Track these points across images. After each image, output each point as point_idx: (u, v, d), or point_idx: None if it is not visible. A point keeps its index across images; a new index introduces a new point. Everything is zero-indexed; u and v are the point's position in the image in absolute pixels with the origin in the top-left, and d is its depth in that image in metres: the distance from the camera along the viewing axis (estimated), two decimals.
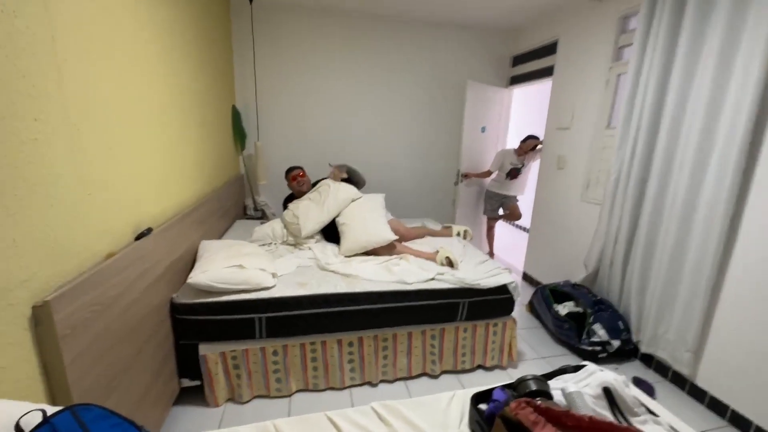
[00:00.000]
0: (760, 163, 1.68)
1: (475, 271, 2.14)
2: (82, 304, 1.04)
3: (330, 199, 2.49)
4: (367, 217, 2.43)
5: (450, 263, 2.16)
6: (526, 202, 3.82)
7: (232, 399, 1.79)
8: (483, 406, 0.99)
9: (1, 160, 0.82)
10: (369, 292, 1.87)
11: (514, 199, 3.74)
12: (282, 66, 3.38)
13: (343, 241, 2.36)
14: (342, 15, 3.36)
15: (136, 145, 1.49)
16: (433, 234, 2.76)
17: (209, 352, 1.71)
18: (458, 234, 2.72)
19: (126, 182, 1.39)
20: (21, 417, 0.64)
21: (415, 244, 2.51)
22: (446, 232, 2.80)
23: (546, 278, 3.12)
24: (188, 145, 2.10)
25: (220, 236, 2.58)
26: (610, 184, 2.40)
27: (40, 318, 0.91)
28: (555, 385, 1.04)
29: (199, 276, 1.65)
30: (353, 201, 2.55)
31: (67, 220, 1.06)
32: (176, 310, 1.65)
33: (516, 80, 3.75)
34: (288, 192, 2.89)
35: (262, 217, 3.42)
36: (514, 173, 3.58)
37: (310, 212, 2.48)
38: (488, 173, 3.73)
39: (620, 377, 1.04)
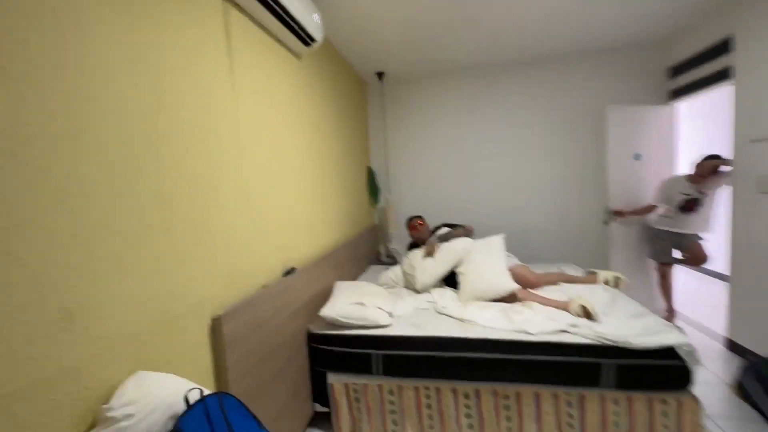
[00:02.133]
0: None
1: (625, 326, 1.72)
2: (242, 321, 1.39)
3: (444, 252, 2.51)
4: (484, 263, 2.32)
5: (587, 314, 1.82)
6: (716, 242, 2.88)
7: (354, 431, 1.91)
8: None
9: (198, 218, 1.26)
10: (483, 339, 1.75)
11: (694, 237, 2.86)
12: (409, 127, 3.82)
13: (460, 291, 2.31)
14: (462, 70, 3.61)
15: (288, 201, 1.95)
16: (571, 280, 2.38)
17: (336, 381, 1.91)
18: (606, 281, 2.27)
19: (279, 230, 1.83)
20: (189, 391, 0.91)
21: (544, 291, 2.22)
22: (590, 279, 2.37)
23: (765, 347, 2.18)
24: (329, 201, 2.58)
25: (354, 278, 2.92)
26: None
27: (215, 328, 1.27)
28: None
29: (328, 310, 1.93)
30: (469, 252, 2.49)
31: (237, 258, 1.47)
32: (311, 339, 1.95)
33: (678, 93, 3.08)
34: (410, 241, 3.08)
35: (394, 262, 3.70)
36: (690, 205, 2.79)
37: (427, 265, 2.50)
38: (652, 208, 3.02)
39: None
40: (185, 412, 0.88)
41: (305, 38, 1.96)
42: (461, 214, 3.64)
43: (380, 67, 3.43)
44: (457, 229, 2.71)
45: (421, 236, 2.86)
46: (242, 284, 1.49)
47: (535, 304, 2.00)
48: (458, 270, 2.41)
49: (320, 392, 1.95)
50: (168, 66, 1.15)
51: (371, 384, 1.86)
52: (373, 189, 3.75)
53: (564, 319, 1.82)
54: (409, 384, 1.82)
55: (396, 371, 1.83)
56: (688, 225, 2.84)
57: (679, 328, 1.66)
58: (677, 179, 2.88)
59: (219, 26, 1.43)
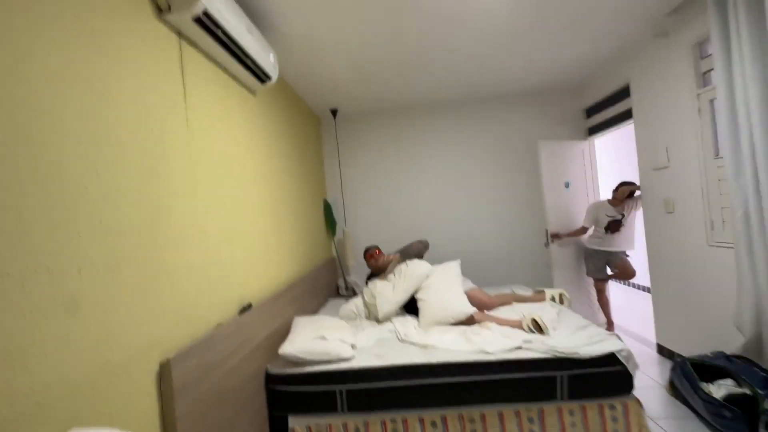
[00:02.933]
0: None
1: (572, 338, 1.86)
2: (194, 364, 1.28)
3: (402, 279, 2.56)
4: (441, 289, 2.40)
5: (538, 327, 1.94)
6: (637, 258, 3.26)
7: None
8: None
9: (146, 253, 1.19)
10: (446, 363, 1.78)
11: (622, 255, 3.22)
12: (363, 160, 3.95)
13: (420, 317, 2.35)
14: (412, 106, 3.87)
15: (243, 235, 1.90)
16: (522, 300, 2.54)
17: (297, 425, 1.79)
18: (552, 298, 2.45)
19: (234, 265, 1.75)
20: None
21: (499, 312, 2.33)
22: (538, 297, 2.55)
23: (688, 349, 2.45)
24: (286, 234, 2.54)
25: (313, 313, 2.83)
26: (739, 222, 1.95)
27: (164, 374, 1.16)
28: None
29: (287, 347, 1.84)
30: (427, 277, 2.57)
31: (189, 296, 1.38)
32: (270, 380, 1.83)
33: (594, 130, 3.58)
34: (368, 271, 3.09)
35: (353, 295, 3.65)
36: (614, 226, 3.17)
37: (386, 293, 2.52)
38: (583, 230, 3.38)
39: None
40: None
41: (261, 76, 2.01)
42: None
43: (334, 104, 3.57)
44: (413, 244, 2.80)
45: (378, 266, 2.89)
46: (195, 323, 1.39)
47: (492, 324, 2.09)
48: (418, 296, 2.45)
49: None
50: (119, 95, 1.12)
51: (336, 423, 1.77)
52: (330, 222, 3.75)
53: (519, 336, 1.92)
54: (375, 419, 1.77)
55: (361, 406, 1.77)
56: (614, 243, 3.20)
57: (617, 336, 1.83)
58: (602, 203, 3.27)
59: (174, 60, 1.43)
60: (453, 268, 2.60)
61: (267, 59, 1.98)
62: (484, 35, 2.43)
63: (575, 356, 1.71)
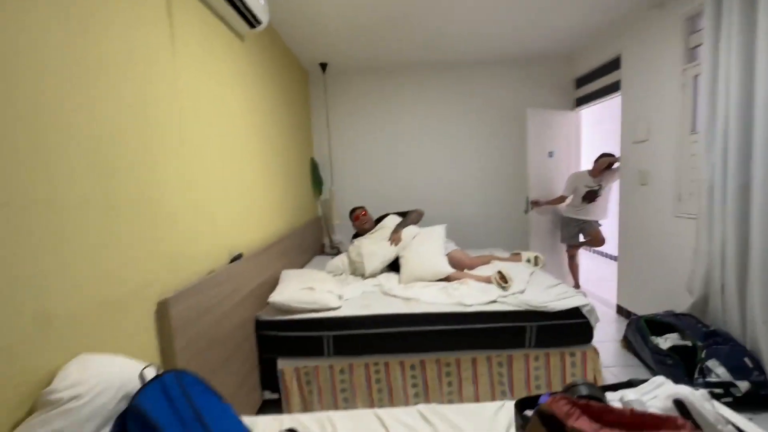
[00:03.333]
0: None
1: (543, 294, 2.02)
2: (189, 305, 1.33)
3: (388, 239, 2.65)
4: (424, 250, 2.50)
5: (502, 278, 2.08)
6: (609, 227, 3.47)
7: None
8: (528, 412, 0.95)
9: (140, 196, 1.19)
10: (427, 313, 1.91)
11: (595, 224, 3.41)
12: (351, 119, 3.88)
13: (402, 273, 2.46)
14: (402, 67, 3.77)
15: (233, 188, 1.89)
16: (500, 260, 2.68)
17: (286, 366, 1.91)
18: (528, 260, 2.60)
19: (224, 216, 1.77)
20: (144, 367, 0.88)
21: (477, 271, 2.48)
22: (515, 259, 2.70)
23: (644, 310, 2.70)
24: (274, 190, 2.54)
25: (300, 267, 2.90)
26: (704, 194, 2.10)
27: (162, 311, 1.21)
28: (614, 397, 0.94)
29: (277, 296, 1.92)
30: (413, 237, 2.66)
31: (184, 242, 1.41)
32: (260, 326, 1.92)
33: (582, 101, 3.63)
34: (354, 231, 3.16)
35: (338, 253, 3.73)
36: (591, 196, 3.32)
37: (374, 252, 2.61)
38: (562, 199, 3.52)
39: (700, 391, 0.90)
40: (141, 390, 0.85)
41: (250, 19, 1.91)
42: (401, 205, 3.80)
43: (323, 58, 3.44)
44: (411, 214, 2.87)
45: (363, 226, 2.96)
46: (188, 269, 1.43)
47: (470, 281, 2.23)
48: (401, 255, 2.56)
49: (269, 379, 1.93)
50: (106, 31, 1.06)
51: (323, 365, 1.90)
52: (316, 181, 3.74)
53: (495, 291, 2.06)
54: (359, 362, 1.91)
55: (347, 351, 1.90)
56: (590, 213, 3.37)
57: (582, 294, 2.00)
58: (582, 174, 3.40)
59: None
60: (438, 231, 2.70)
61: (257, 1, 1.87)
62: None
63: (544, 309, 1.87)
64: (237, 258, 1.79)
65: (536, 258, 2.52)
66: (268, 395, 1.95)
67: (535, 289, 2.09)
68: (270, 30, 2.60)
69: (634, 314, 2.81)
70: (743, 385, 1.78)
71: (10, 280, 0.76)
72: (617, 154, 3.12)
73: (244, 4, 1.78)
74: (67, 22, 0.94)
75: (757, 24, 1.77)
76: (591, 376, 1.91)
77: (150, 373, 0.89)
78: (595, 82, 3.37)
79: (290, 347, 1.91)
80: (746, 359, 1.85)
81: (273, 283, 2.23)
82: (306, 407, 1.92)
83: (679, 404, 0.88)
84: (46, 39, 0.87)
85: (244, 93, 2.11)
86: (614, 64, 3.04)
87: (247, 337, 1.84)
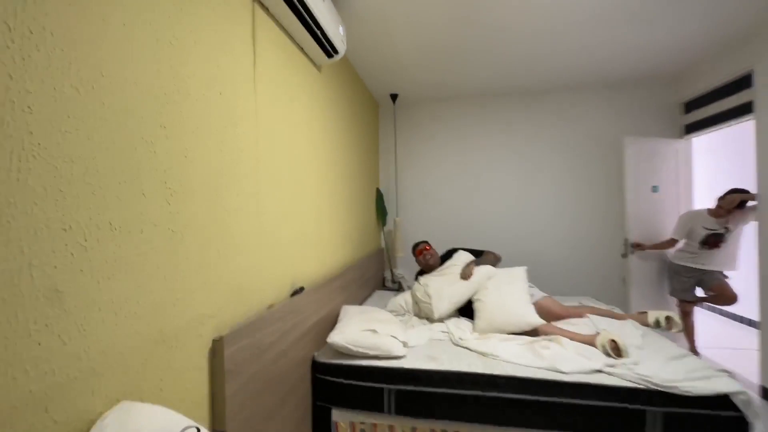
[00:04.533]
0: None
1: (667, 368, 1.55)
2: (245, 345, 1.21)
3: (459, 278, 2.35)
4: (504, 293, 2.15)
5: (615, 349, 1.65)
6: (741, 281, 2.75)
7: None
8: None
9: (208, 220, 1.12)
10: (510, 376, 1.57)
11: (718, 275, 2.73)
12: (419, 150, 3.77)
13: (476, 320, 2.13)
14: (474, 96, 3.61)
15: (298, 215, 1.82)
16: (603, 314, 2.18)
17: (341, 419, 1.70)
18: (657, 322, 2.00)
19: (289, 246, 1.68)
20: (184, 430, 0.74)
21: (568, 325, 2.05)
22: (639, 318, 2.09)
23: None
24: (339, 220, 2.45)
25: (360, 303, 2.73)
26: None
27: (216, 351, 1.10)
28: None
29: (336, 336, 1.74)
30: (489, 279, 2.34)
31: (247, 272, 1.32)
32: (316, 368, 1.75)
33: (694, 128, 3.07)
34: (418, 268, 2.92)
35: (399, 288, 3.51)
36: (714, 241, 2.69)
37: (444, 292, 2.31)
38: (672, 243, 2.91)
39: None
40: None
41: (328, 49, 1.91)
42: (471, 241, 3.50)
43: (394, 89, 3.42)
44: (487, 255, 2.56)
45: (428, 262, 2.69)
46: (248, 301, 1.33)
47: (563, 339, 1.83)
48: (476, 298, 2.24)
49: (323, 430, 1.72)
50: (191, 53, 1.06)
51: (382, 424, 1.65)
52: (380, 211, 3.63)
53: (598, 357, 1.65)
54: (425, 426, 1.62)
55: (410, 410, 1.63)
56: (711, 261, 2.72)
57: (729, 374, 1.49)
58: (699, 213, 2.80)
59: (246, 24, 1.36)
60: (519, 273, 2.33)
61: (336, 31, 1.87)
62: (563, 11, 2.12)
63: (674, 391, 1.41)
64: (298, 291, 1.68)
65: (668, 319, 1.97)
66: None
67: (655, 359, 1.63)
68: (344, 60, 2.64)
69: None
70: None
71: (64, 307, 0.68)
72: (750, 189, 2.51)
73: (324, 34, 1.78)
74: (153, 38, 0.93)
75: None
76: None
77: None
78: (712, 105, 2.83)
79: (347, 397, 1.69)
80: None
81: (333, 319, 2.07)
82: None
83: None
84: (134, 53, 0.86)
85: (317, 122, 2.09)
86: (743, 83, 2.52)
87: (302, 379, 1.67)
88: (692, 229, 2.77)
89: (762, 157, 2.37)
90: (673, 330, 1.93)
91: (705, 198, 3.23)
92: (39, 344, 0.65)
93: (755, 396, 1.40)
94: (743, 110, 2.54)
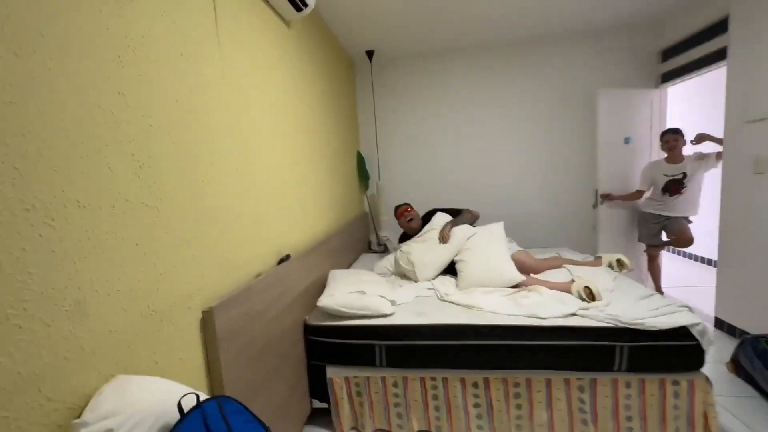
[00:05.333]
0: None
1: (635, 307, 1.68)
2: (236, 314, 1.23)
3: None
4: (485, 253, 2.21)
5: (590, 295, 1.77)
6: (703, 225, 2.93)
7: (355, 428, 1.79)
8: None
9: (189, 196, 1.08)
10: (493, 325, 1.67)
11: (681, 220, 2.88)
12: (399, 109, 3.67)
13: (460, 278, 2.20)
14: (454, 50, 3.48)
15: (280, 185, 1.78)
16: (573, 264, 2.32)
17: (335, 375, 1.78)
18: (609, 265, 2.22)
19: (272, 215, 1.66)
20: (182, 397, 0.76)
21: (547, 275, 2.17)
22: (595, 263, 2.30)
23: (755, 326, 2.23)
24: (320, 186, 2.41)
25: (347, 267, 2.78)
26: None
27: (207, 321, 1.11)
28: None
29: (326, 300, 1.78)
30: (469, 238, 2.39)
31: (232, 244, 1.31)
32: (308, 331, 1.80)
33: (670, 76, 3.09)
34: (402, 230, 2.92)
35: (385, 251, 3.58)
36: (674, 188, 2.81)
37: (425, 257, 2.35)
38: (639, 194, 3.04)
39: None
40: (179, 423, 0.73)
41: (297, 1, 1.77)
42: (454, 200, 3.54)
43: (370, 45, 3.25)
44: (464, 214, 2.58)
45: (410, 225, 2.72)
46: (235, 272, 1.33)
47: (542, 288, 1.94)
48: (458, 258, 2.31)
49: (318, 387, 1.82)
50: (142, 8, 0.95)
51: (374, 376, 1.75)
52: (363, 175, 3.59)
53: (573, 301, 1.76)
54: (414, 375, 1.72)
55: (401, 362, 1.72)
56: (675, 208, 2.87)
57: (688, 308, 1.64)
58: (659, 162, 2.90)
59: None
60: (496, 229, 2.39)
61: None
62: None
63: (640, 327, 1.55)
64: (285, 259, 1.68)
65: (620, 261, 2.15)
66: (318, 404, 1.84)
67: (623, 300, 1.76)
68: (314, 15, 2.46)
69: (743, 331, 2.33)
70: None
71: (40, 289, 0.66)
72: (720, 135, 2.60)
73: None
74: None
75: None
76: (700, 410, 1.55)
77: (189, 402, 0.76)
78: (688, 51, 2.84)
79: (340, 355, 1.77)
80: None
81: (321, 284, 2.11)
82: (356, 421, 1.78)
83: None
84: (78, 18, 0.77)
85: (289, 83, 1.99)
86: (719, 27, 2.52)
87: (295, 342, 1.73)
88: (654, 179, 2.89)
89: (730, 102, 2.43)
90: (623, 271, 2.09)
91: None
92: (20, 327, 0.64)
93: (710, 326, 1.54)
94: (718, 56, 2.56)
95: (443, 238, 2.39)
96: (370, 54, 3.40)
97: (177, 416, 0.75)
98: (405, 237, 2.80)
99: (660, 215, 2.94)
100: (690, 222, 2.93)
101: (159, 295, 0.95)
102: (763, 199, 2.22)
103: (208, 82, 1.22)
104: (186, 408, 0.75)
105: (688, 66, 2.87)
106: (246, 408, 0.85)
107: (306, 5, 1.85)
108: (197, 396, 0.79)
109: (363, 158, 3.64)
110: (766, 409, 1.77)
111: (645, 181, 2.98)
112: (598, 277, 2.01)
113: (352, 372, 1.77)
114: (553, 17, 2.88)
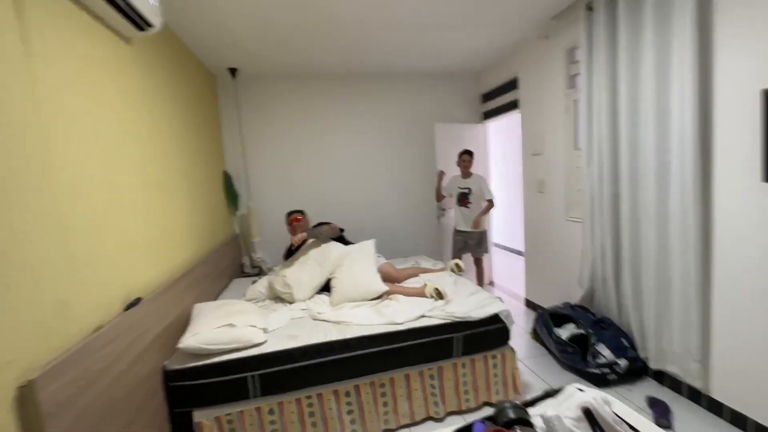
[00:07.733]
0: (715, 164, 1.76)
1: (466, 303, 2.14)
2: (68, 380, 1.07)
3: (316, 264, 2.51)
4: (355, 269, 2.43)
5: (439, 294, 2.18)
6: (515, 228, 3.85)
7: None
8: None
9: None
10: (360, 336, 1.88)
11: (475, 236, 3.39)
12: (266, 128, 3.64)
13: (333, 295, 2.35)
14: (318, 77, 3.67)
15: (123, 217, 1.59)
16: (427, 272, 2.77)
17: (204, 418, 1.69)
18: (451, 270, 2.71)
19: (114, 256, 1.48)
20: None
21: (406, 283, 2.53)
22: (442, 269, 2.81)
23: (547, 302, 3.08)
24: (178, 212, 2.23)
25: (216, 297, 2.61)
26: (586, 202, 2.47)
27: (26, 398, 0.95)
28: (536, 412, 1.03)
29: (189, 340, 1.68)
30: (345, 257, 2.54)
31: (55, 299, 1.13)
32: (168, 377, 1.66)
33: (488, 115, 3.98)
34: (288, 237, 2.83)
35: (259, 273, 3.47)
36: (463, 200, 3.39)
37: (301, 278, 2.42)
38: (442, 197, 3.58)
39: (600, 394, 1.03)
40: None
41: (137, 20, 1.63)
42: (326, 215, 3.69)
43: (233, 63, 3.15)
44: (323, 227, 2.70)
45: (302, 227, 2.73)
46: (67, 330, 1.15)
47: (400, 297, 2.26)
48: (332, 276, 2.46)
49: None
50: None
51: (248, 409, 1.73)
52: (231, 195, 3.42)
53: (424, 304, 2.13)
54: (290, 398, 1.78)
55: (276, 388, 1.76)
56: (466, 221, 3.39)
57: (499, 299, 2.18)
58: (456, 176, 3.47)
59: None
60: (368, 247, 2.64)
61: (145, 1, 1.61)
62: (392, 14, 2.41)
63: (469, 319, 1.99)
64: (134, 303, 1.52)
65: (458, 265, 2.67)
66: None
67: (458, 298, 2.22)
68: (168, 33, 2.28)
69: (541, 307, 3.18)
70: (623, 363, 2.14)
71: None
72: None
73: (128, 4, 1.51)
74: None
75: (617, 57, 2.14)
76: (510, 373, 2.09)
77: None
78: (498, 98, 3.73)
79: (209, 396, 1.69)
80: (623, 340, 2.22)
81: (183, 323, 1.96)
82: None
83: (587, 412, 0.99)
84: None
85: (135, 101, 1.80)
86: (513, 84, 3.41)
87: (153, 393, 1.57)
88: (452, 189, 3.47)
89: (524, 141, 3.32)
90: (461, 273, 2.63)
91: (498, 168, 4.29)
92: None
93: (511, 311, 2.09)
94: (514, 105, 3.45)
95: (296, 241, 2.59)
96: (233, 71, 3.29)
97: None
98: (290, 253, 2.73)
99: (460, 230, 3.45)
100: (484, 239, 3.47)
101: None
102: (545, 210, 3.10)
103: (13, 111, 1.05)
104: None
105: (498, 109, 3.77)
106: None
107: (149, 25, 1.72)
108: None
109: (230, 177, 3.47)
110: (553, 363, 2.48)
111: (446, 190, 3.53)
112: (443, 280, 2.46)
113: (223, 410, 1.71)
114: (399, 60, 3.36)
